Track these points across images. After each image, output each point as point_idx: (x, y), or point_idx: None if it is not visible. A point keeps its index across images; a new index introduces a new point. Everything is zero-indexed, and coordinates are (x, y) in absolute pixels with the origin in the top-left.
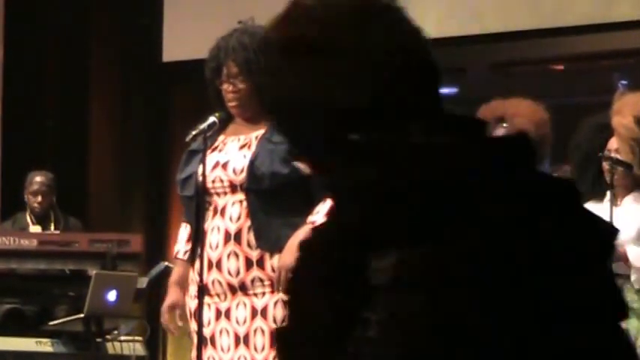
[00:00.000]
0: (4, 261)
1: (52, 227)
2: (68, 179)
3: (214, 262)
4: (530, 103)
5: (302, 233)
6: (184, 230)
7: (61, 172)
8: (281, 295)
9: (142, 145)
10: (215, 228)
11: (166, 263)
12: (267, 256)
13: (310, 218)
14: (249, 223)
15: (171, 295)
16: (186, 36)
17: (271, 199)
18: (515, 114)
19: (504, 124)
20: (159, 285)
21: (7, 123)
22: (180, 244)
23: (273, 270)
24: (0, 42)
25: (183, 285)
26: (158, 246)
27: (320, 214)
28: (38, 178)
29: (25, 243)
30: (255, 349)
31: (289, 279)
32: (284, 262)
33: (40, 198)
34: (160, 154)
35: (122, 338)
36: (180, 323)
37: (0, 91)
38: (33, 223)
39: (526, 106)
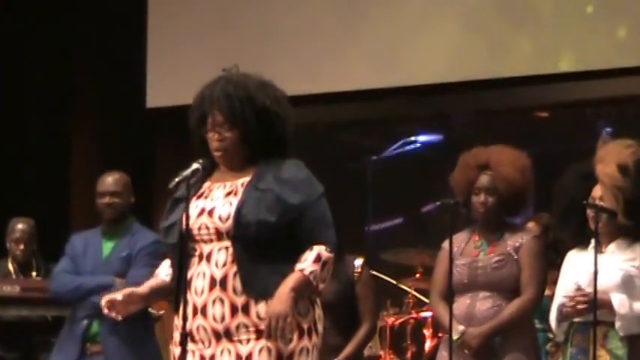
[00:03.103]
0: None
1: (34, 274)
2: (50, 226)
3: (199, 307)
4: (513, 150)
5: (291, 281)
6: (166, 263)
7: (43, 219)
8: (266, 342)
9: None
10: (200, 274)
11: (150, 309)
12: (252, 302)
13: (298, 266)
14: (234, 268)
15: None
16: (170, 82)
17: (258, 247)
18: (499, 161)
19: (488, 172)
20: None
21: None
22: (161, 269)
23: (259, 316)
24: None
25: (151, 290)
26: None
27: (308, 261)
28: (20, 226)
29: (8, 289)
30: None
31: None
32: (274, 310)
33: (22, 246)
34: (143, 201)
35: None
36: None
37: None
38: (15, 271)
39: (509, 154)
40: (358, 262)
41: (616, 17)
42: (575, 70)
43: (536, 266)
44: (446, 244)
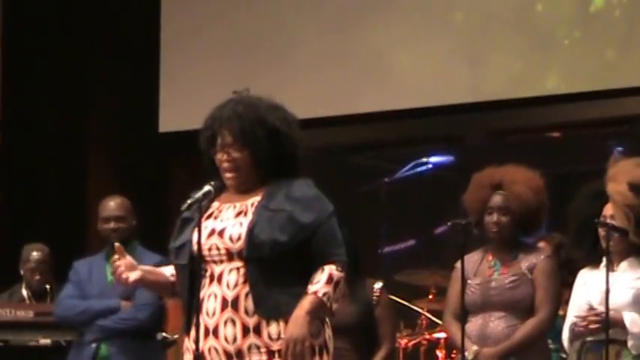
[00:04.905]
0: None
1: (49, 300)
2: (66, 251)
3: (211, 329)
4: (527, 170)
5: (306, 304)
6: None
7: (58, 244)
8: None
9: (138, 216)
10: (212, 295)
11: (163, 334)
12: (264, 322)
13: (311, 288)
14: (246, 289)
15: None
16: (182, 107)
17: (270, 267)
18: (513, 181)
19: (502, 191)
20: None
21: (5, 195)
22: (167, 268)
23: (270, 337)
24: None
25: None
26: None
27: (320, 283)
28: (35, 254)
29: (22, 314)
30: None
31: None
32: (292, 334)
33: (38, 276)
34: (157, 225)
35: None
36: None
37: None
38: (29, 297)
39: (523, 173)
40: (378, 285)
41: None
42: (587, 90)
43: (551, 286)
44: (459, 264)
